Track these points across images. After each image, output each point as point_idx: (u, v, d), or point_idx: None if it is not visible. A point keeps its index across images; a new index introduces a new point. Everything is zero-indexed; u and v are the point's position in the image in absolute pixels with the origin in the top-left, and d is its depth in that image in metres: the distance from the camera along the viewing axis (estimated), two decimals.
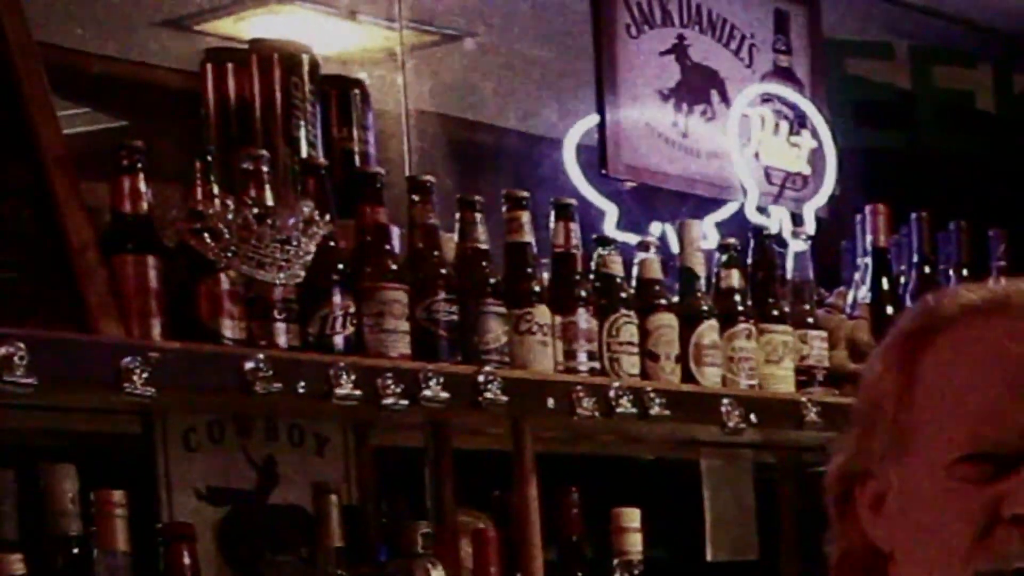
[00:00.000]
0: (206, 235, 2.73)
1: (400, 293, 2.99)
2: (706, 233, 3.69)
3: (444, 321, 3.07)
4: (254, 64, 3.06)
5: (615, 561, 3.33)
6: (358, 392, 2.88)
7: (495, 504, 3.35)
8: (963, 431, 1.69)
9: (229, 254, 2.75)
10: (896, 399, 1.78)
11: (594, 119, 3.71)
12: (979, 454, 1.69)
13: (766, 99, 3.98)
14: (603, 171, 3.68)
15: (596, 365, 3.29)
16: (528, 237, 3.22)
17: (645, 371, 3.38)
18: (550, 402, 3.18)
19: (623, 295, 3.36)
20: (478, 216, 3.17)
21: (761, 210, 3.87)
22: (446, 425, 3.27)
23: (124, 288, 2.71)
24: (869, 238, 3.94)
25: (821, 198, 4.00)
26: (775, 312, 3.64)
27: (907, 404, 1.77)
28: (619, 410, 3.26)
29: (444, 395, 3.00)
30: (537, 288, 3.21)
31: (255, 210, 2.77)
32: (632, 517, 3.33)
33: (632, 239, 3.58)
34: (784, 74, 4.07)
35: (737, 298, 3.56)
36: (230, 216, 2.75)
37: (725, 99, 3.95)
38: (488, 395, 3.06)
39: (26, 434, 2.95)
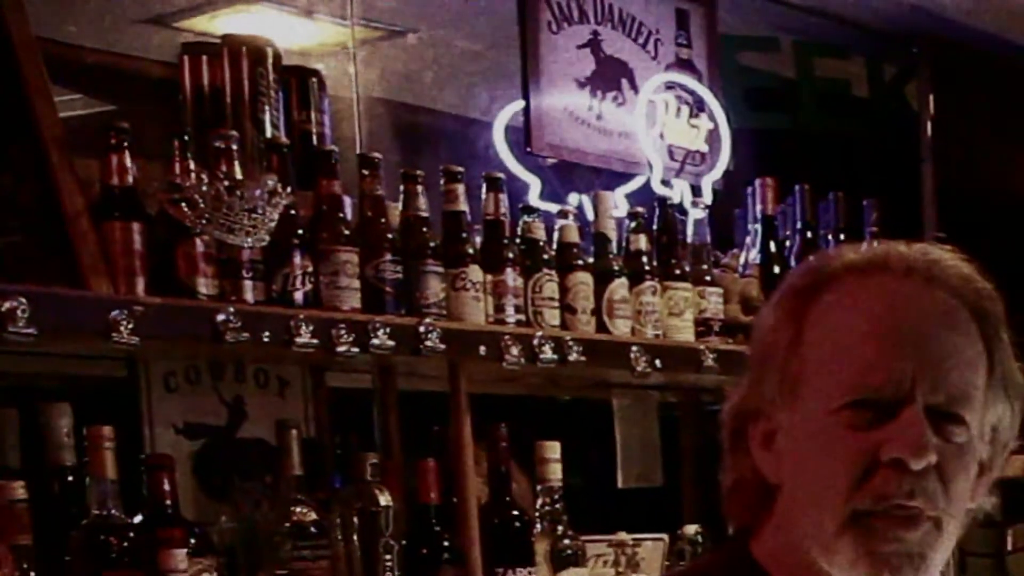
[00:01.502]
0: (183, 204, 2.75)
1: (352, 255, 3.02)
2: (617, 203, 3.69)
3: (390, 279, 3.09)
4: (225, 56, 3.05)
5: (538, 487, 3.37)
6: (315, 341, 2.90)
7: (434, 438, 3.35)
8: (846, 380, 1.72)
9: (203, 221, 2.77)
10: (786, 348, 1.80)
11: (520, 104, 3.70)
12: (860, 401, 1.72)
13: (669, 86, 3.95)
14: (528, 149, 3.67)
15: (522, 317, 3.31)
16: (463, 206, 3.24)
17: (564, 323, 3.40)
18: (482, 350, 3.20)
19: (545, 256, 3.39)
20: (419, 188, 3.18)
21: (665, 183, 3.85)
22: (392, 369, 3.31)
23: (112, 250, 2.73)
24: (759, 207, 3.97)
25: (717, 172, 4.00)
26: (677, 271, 3.66)
27: (796, 353, 1.79)
28: (542, 356, 3.28)
29: (390, 343, 3.02)
30: (470, 250, 3.23)
31: (226, 183, 2.79)
32: (553, 449, 3.36)
33: (553, 208, 3.58)
34: (685, 65, 4.04)
35: (644, 259, 3.58)
36: (204, 188, 2.77)
37: (634, 86, 3.91)
38: (428, 343, 3.08)
39: (27, 377, 2.96)
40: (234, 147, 2.86)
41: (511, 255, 3.32)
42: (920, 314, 1.76)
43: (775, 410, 1.81)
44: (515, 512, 3.34)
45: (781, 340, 1.81)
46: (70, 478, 2.75)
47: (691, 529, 3.67)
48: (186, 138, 2.87)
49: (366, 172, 3.13)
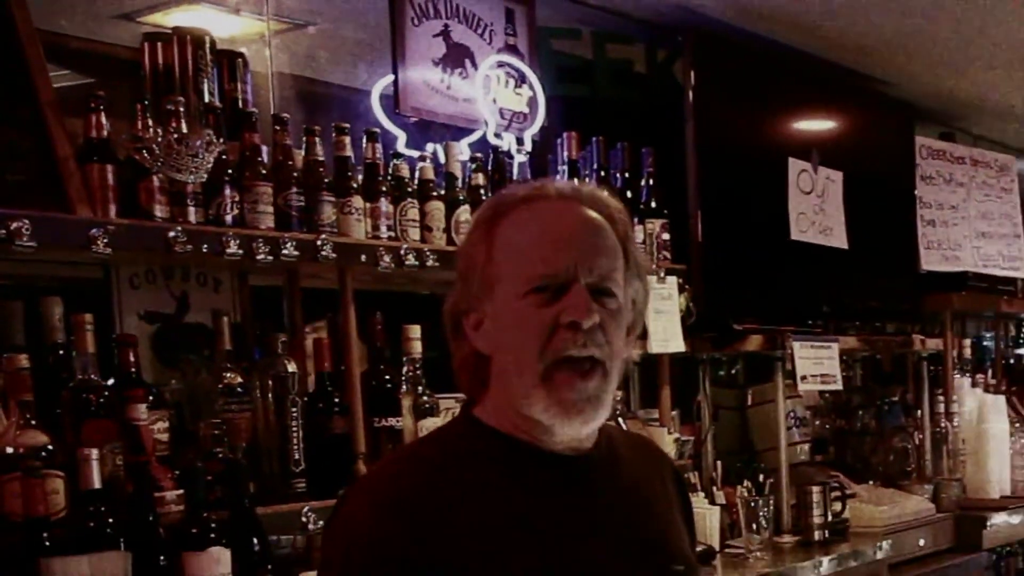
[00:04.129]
0: (144, 152, 2.79)
1: (268, 188, 3.04)
2: (462, 150, 3.68)
3: (295, 206, 3.11)
4: (175, 43, 3.03)
5: (404, 359, 3.39)
6: (240, 251, 2.93)
7: (329, 322, 3.39)
8: (526, 275, 1.81)
9: (159, 164, 2.81)
10: (482, 259, 1.86)
11: (390, 77, 3.64)
12: (540, 287, 1.81)
13: (500, 65, 3.89)
14: (396, 111, 3.62)
15: (392, 234, 3.34)
16: (349, 152, 3.26)
17: (423, 238, 3.42)
18: (363, 257, 3.23)
19: (409, 189, 3.40)
20: (317, 139, 3.20)
21: (497, 135, 3.83)
22: (296, 272, 3.32)
23: (91, 185, 2.75)
24: (565, 153, 3.97)
25: (535, 128, 3.95)
26: None
27: (489, 262, 1.86)
28: (407, 263, 3.31)
29: (295, 253, 3.05)
30: (354, 185, 3.25)
31: (175, 136, 2.82)
32: (415, 331, 3.38)
33: (415, 154, 3.57)
34: (511, 49, 3.96)
35: (482, 191, 3.59)
36: (159, 140, 2.80)
37: (474, 65, 3.86)
38: (323, 253, 3.12)
39: (29, 278, 2.97)
40: (181, 109, 2.87)
41: (384, 188, 3.33)
42: (572, 223, 1.85)
43: (480, 304, 1.88)
44: (387, 377, 3.34)
45: (478, 255, 1.88)
46: (61, 352, 2.77)
47: None
48: (146, 103, 2.87)
49: (277, 127, 3.15)
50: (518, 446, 1.88)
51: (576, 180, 1.89)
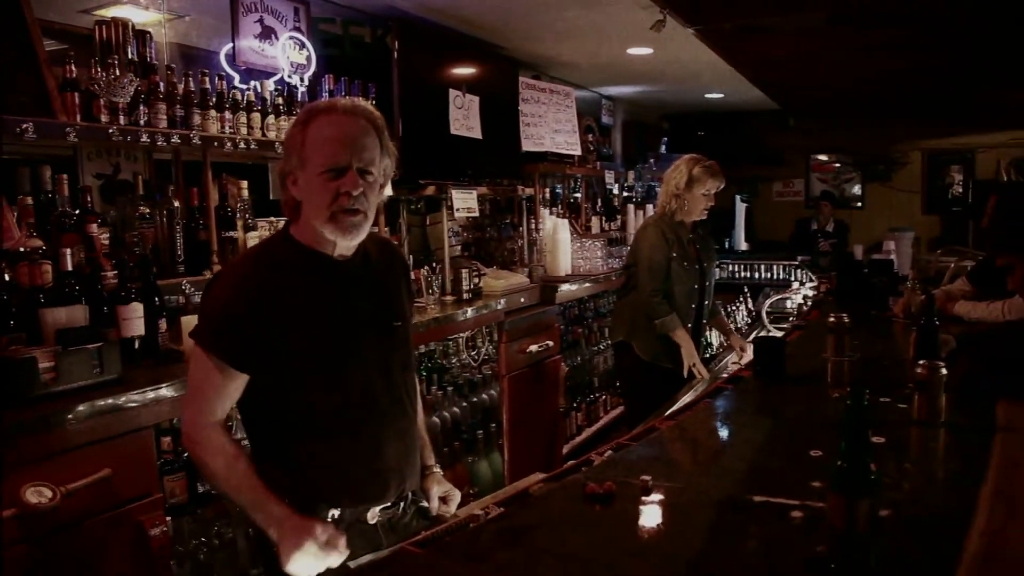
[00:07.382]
0: (95, 85, 2.85)
1: (163, 105, 3.07)
2: (270, 85, 3.65)
3: (179, 116, 3.13)
4: (112, 25, 3.02)
5: (239, 199, 3.38)
6: (148, 140, 2.95)
7: (198, 182, 3.31)
8: (323, 162, 1.80)
9: (104, 92, 2.86)
10: (298, 146, 1.82)
11: (231, 45, 3.64)
12: (330, 169, 1.79)
13: (291, 38, 3.85)
14: (234, 63, 3.63)
15: (232, 131, 3.27)
16: (208, 86, 3.25)
17: (249, 134, 3.40)
18: (216, 144, 3.23)
19: (242, 107, 3.40)
20: (190, 79, 3.20)
21: (289, 77, 3.79)
22: (179, 152, 3.26)
23: (67, 103, 2.81)
24: (327, 87, 3.86)
25: (310, 72, 3.88)
26: (295, 111, 3.48)
27: (303, 147, 1.82)
28: (240, 148, 3.31)
29: (179, 142, 3.05)
30: (211, 104, 3.25)
31: (112, 77, 2.87)
32: (244, 184, 3.40)
33: (245, 87, 3.57)
34: (297, 29, 3.92)
35: (280, 107, 3.53)
36: (103, 79, 2.86)
37: (277, 38, 3.81)
38: (194, 142, 3.12)
39: (32, 156, 2.95)
40: (116, 62, 2.90)
41: (228, 105, 3.34)
42: (351, 130, 1.81)
43: (296, 172, 1.84)
44: (228, 208, 3.35)
45: (296, 142, 1.82)
46: (50, 195, 2.81)
47: None
48: (97, 59, 2.91)
49: (168, 72, 3.18)
50: (315, 255, 1.88)
51: (357, 99, 1.86)
